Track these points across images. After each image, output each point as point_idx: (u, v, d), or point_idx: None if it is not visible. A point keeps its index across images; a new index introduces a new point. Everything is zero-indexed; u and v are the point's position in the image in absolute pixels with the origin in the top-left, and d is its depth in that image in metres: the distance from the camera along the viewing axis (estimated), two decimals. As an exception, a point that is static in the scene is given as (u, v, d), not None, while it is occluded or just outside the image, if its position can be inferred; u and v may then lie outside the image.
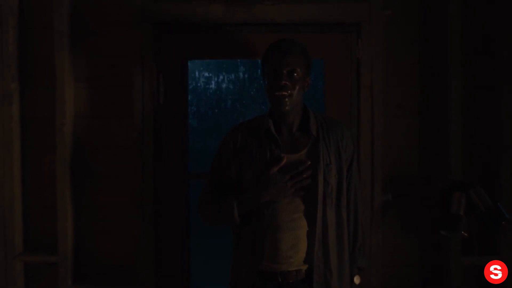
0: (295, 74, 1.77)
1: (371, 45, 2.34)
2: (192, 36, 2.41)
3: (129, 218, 2.35)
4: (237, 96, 3.04)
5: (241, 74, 3.09)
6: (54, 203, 2.32)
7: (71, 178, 2.36)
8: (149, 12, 2.33)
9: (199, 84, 3.12)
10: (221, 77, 3.10)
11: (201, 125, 3.06)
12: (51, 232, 2.35)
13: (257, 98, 2.99)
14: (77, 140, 2.37)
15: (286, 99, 1.76)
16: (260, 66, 1.87)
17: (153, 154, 2.35)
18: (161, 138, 2.42)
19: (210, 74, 3.14)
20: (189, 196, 2.43)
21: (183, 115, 2.43)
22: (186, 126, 2.44)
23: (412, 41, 2.37)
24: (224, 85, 3.07)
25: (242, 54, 2.43)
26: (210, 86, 3.15)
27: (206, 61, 3.14)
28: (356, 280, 1.91)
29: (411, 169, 2.37)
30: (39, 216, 2.38)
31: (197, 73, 3.10)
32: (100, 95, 2.36)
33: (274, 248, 1.76)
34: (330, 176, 1.80)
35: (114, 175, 2.37)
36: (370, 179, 2.35)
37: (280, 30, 2.37)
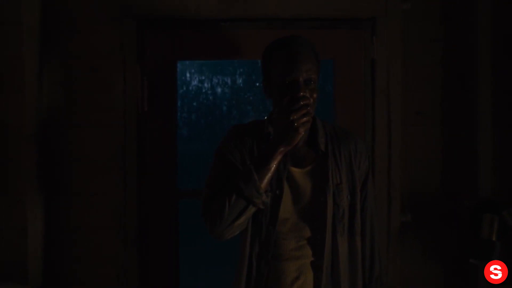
0: (312, 82, 1.67)
1: (388, 43, 2.32)
2: (182, 34, 2.37)
3: (110, 241, 2.32)
4: (234, 101, 3.03)
5: (238, 77, 3.05)
6: (25, 224, 2.27)
7: (43, 196, 2.31)
8: (132, 6, 2.30)
9: (190, 88, 3.03)
10: (215, 80, 3.04)
11: (193, 135, 3.05)
12: (20, 258, 2.28)
13: (257, 104, 3.02)
14: (51, 152, 2.33)
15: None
16: (260, 69, 1.78)
17: (137, 168, 2.32)
18: (146, 151, 2.38)
19: (203, 77, 3.06)
20: (178, 216, 2.40)
21: (172, 124, 2.39)
22: (174, 136, 2.39)
23: (433, 39, 2.36)
24: (219, 89, 3.04)
25: (240, 54, 2.41)
26: (203, 91, 3.04)
27: (198, 62, 3.02)
28: None
29: (432, 185, 2.36)
30: (6, 240, 2.31)
31: (187, 76, 3.05)
32: (77, 101, 2.33)
33: (276, 278, 1.71)
34: (341, 198, 1.73)
35: (93, 192, 2.33)
36: (387, 197, 2.32)
37: (283, 26, 2.34)
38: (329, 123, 1.85)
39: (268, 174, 1.62)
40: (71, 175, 2.33)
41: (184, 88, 2.99)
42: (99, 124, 2.33)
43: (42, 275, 2.30)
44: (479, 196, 2.27)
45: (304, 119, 1.58)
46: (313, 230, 1.71)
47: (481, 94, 2.30)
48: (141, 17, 2.31)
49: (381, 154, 2.33)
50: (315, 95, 1.67)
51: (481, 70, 2.29)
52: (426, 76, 2.36)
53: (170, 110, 2.40)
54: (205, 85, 3.02)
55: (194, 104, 3.00)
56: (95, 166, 2.33)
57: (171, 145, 2.40)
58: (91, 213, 2.33)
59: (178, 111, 2.52)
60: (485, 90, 2.29)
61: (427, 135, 2.36)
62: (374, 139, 2.34)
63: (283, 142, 1.60)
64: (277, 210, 1.69)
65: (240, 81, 3.02)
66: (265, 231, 1.70)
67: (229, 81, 3.02)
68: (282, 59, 1.67)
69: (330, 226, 1.70)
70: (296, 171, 1.73)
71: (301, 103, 1.57)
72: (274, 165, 1.62)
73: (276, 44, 1.73)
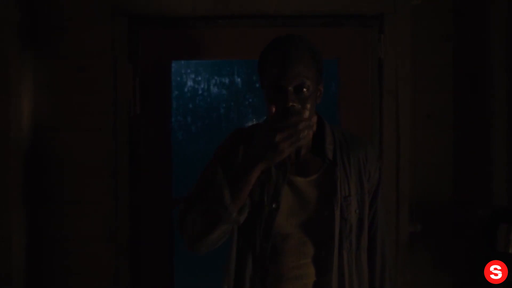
0: (305, 89, 1.56)
1: (396, 41, 2.32)
2: (177, 32, 2.36)
3: (101, 252, 2.31)
4: (232, 103, 3.00)
5: (236, 78, 3.02)
6: (9, 234, 2.22)
7: (30, 205, 2.28)
8: (123, 3, 2.29)
9: (185, 90, 3.00)
10: (212, 81, 3.01)
11: (188, 139, 3.01)
12: (4, 269, 2.23)
13: (257, 106, 2.99)
14: (38, 157, 2.32)
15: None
16: (258, 69, 1.70)
17: (129, 175, 2.31)
18: (139, 156, 2.37)
19: (199, 78, 3.02)
20: (172, 225, 2.38)
21: (166, 128, 2.39)
22: (169, 140, 2.39)
23: (444, 37, 2.35)
24: (216, 91, 3.01)
25: (238, 53, 2.39)
26: (199, 92, 3.01)
27: (194, 61, 3.00)
28: None
29: (443, 193, 2.35)
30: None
31: (183, 77, 3.02)
32: (65, 104, 2.32)
33: None
34: (349, 211, 1.65)
35: (82, 200, 2.32)
36: (395, 206, 2.31)
37: (284, 24, 2.33)
38: (338, 128, 1.77)
39: (244, 190, 1.49)
40: (59, 182, 2.32)
41: (179, 90, 2.97)
42: (88, 128, 2.31)
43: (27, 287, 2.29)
44: (493, 204, 2.22)
45: (289, 142, 1.42)
46: (317, 246, 1.64)
47: (495, 95, 2.25)
48: (133, 14, 2.30)
49: (389, 160, 2.31)
50: (308, 105, 1.55)
51: (495, 70, 2.25)
52: (437, 76, 2.35)
53: (164, 113, 2.39)
54: (202, 86, 3.00)
55: (190, 106, 2.97)
56: (84, 173, 2.31)
57: (165, 150, 2.39)
58: (80, 222, 2.31)
59: (172, 114, 2.52)
60: (500, 91, 2.24)
61: (437, 139, 2.35)
62: (382, 144, 2.33)
63: (262, 159, 1.46)
64: (271, 225, 1.61)
65: (239, 82, 3.00)
66: (259, 248, 1.62)
67: (227, 82, 3.00)
68: (272, 63, 1.58)
69: (337, 243, 1.63)
70: (299, 180, 1.65)
71: (289, 121, 1.42)
72: (251, 180, 1.49)
73: (270, 44, 1.64)
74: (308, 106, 1.55)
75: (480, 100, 2.31)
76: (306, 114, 1.54)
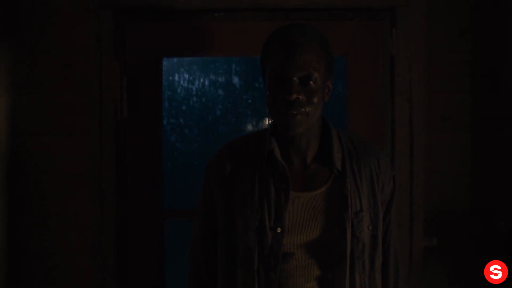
0: (312, 82, 1.49)
1: (409, 37, 2.29)
2: (169, 26, 2.34)
3: (84, 267, 2.27)
4: (229, 104, 2.95)
5: (234, 76, 2.99)
6: None
7: (6, 216, 2.25)
8: None
9: (178, 90, 2.95)
10: (207, 80, 2.97)
11: (181, 144, 2.98)
12: None
13: (256, 108, 2.94)
14: (16, 164, 2.30)
15: (299, 117, 1.49)
16: (260, 64, 1.65)
17: (116, 183, 2.28)
18: (126, 162, 2.35)
19: (193, 77, 2.98)
20: (164, 239, 2.36)
21: (156, 131, 2.37)
22: (159, 145, 2.37)
23: (462, 32, 2.31)
24: (212, 91, 2.96)
25: (236, 49, 2.39)
26: (193, 92, 2.97)
27: (187, 59, 2.95)
28: None
29: (460, 202, 2.32)
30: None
31: (176, 76, 2.97)
32: (47, 105, 2.29)
33: None
34: (361, 228, 1.57)
35: (64, 210, 2.28)
36: (408, 217, 2.27)
37: (286, 17, 2.28)
38: (345, 133, 1.69)
39: None
40: (40, 191, 2.30)
41: (171, 90, 2.95)
42: (71, 131, 2.29)
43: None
44: (517, 215, 2.24)
45: None
46: (323, 268, 1.56)
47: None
48: (119, 6, 2.28)
49: (401, 166, 2.28)
50: (315, 99, 1.49)
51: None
52: (454, 75, 2.32)
53: (155, 115, 2.38)
54: (196, 85, 2.98)
55: (183, 108, 2.95)
56: (66, 180, 2.29)
57: (156, 155, 2.38)
58: (62, 235, 2.29)
59: (164, 117, 2.54)
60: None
61: (454, 144, 2.32)
62: (394, 149, 2.30)
63: None
64: (278, 252, 1.52)
65: (237, 81, 2.98)
66: (263, 279, 1.54)
67: (224, 81, 2.98)
68: (276, 52, 1.52)
69: (348, 264, 1.55)
70: (303, 196, 1.56)
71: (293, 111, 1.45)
72: None
73: (274, 34, 1.58)
74: (315, 100, 1.48)
75: (500, 100, 2.31)
76: (311, 109, 1.48)
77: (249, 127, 2.86)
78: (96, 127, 2.25)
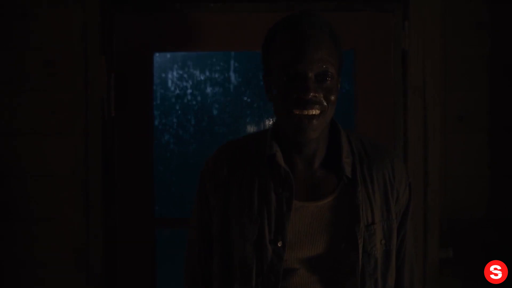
0: (328, 79, 1.42)
1: (423, 29, 2.26)
2: (161, 18, 2.32)
3: (68, 279, 2.25)
4: (227, 103, 2.89)
5: (232, 73, 2.94)
6: None
7: None
8: None
9: (171, 87, 2.91)
10: (203, 77, 2.93)
11: (175, 145, 2.94)
12: None
13: (256, 107, 2.89)
14: None
15: (315, 121, 1.41)
16: (261, 59, 1.58)
17: (102, 188, 2.26)
18: (114, 166, 2.33)
19: (188, 73, 2.93)
20: (155, 253, 2.34)
21: (147, 132, 2.35)
22: (150, 147, 2.35)
23: (478, 24, 2.28)
24: (208, 89, 2.91)
25: (234, 44, 2.38)
26: (188, 91, 2.92)
27: (181, 54, 2.90)
28: None
29: (477, 209, 2.30)
30: None
31: (168, 72, 2.93)
32: (29, 104, 2.27)
33: None
34: (373, 243, 1.49)
35: (45, 217, 2.27)
36: (423, 227, 2.24)
37: (289, 8, 2.24)
38: (355, 135, 1.63)
39: None
40: (21, 196, 2.28)
41: (163, 88, 2.92)
42: (54, 132, 2.27)
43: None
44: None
45: None
46: (330, 285, 1.50)
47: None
48: None
49: (415, 170, 2.25)
50: (333, 97, 1.43)
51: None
52: (470, 71, 2.29)
53: (145, 115, 2.36)
54: (191, 83, 2.94)
55: (177, 107, 2.93)
56: (49, 185, 2.27)
57: (147, 158, 2.36)
58: (44, 244, 2.27)
59: (155, 116, 2.56)
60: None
61: (470, 145, 2.30)
62: (406, 151, 2.28)
63: None
64: (279, 268, 1.46)
65: (235, 78, 2.95)
66: None
67: (221, 78, 2.95)
68: (286, 45, 1.45)
69: (358, 282, 1.49)
70: (308, 205, 1.49)
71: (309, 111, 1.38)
72: None
73: (280, 24, 1.51)
74: (333, 99, 1.41)
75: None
76: (329, 110, 1.42)
77: (248, 128, 2.86)
78: (80, 126, 2.24)
